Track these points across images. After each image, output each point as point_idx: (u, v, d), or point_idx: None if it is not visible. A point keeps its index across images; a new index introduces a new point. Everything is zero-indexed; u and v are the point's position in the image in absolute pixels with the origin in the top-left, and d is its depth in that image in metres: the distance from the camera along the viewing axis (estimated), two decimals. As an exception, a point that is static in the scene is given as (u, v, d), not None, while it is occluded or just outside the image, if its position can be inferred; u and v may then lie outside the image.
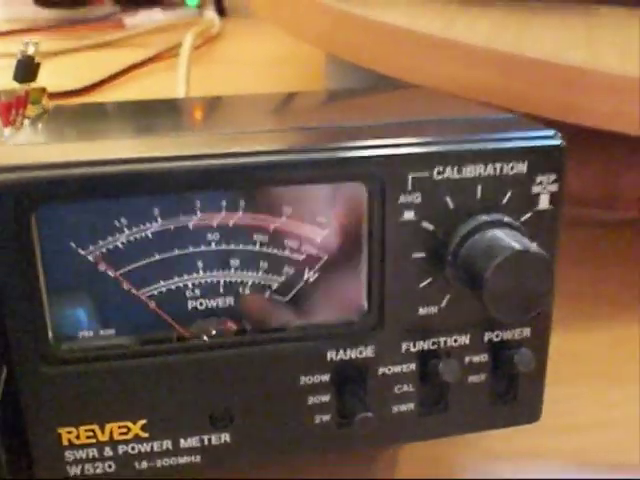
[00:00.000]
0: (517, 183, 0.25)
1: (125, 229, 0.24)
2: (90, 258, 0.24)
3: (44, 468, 0.25)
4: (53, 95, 0.53)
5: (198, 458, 0.26)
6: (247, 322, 0.26)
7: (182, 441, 0.26)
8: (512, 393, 0.28)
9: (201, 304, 0.25)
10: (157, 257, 0.25)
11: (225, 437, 0.26)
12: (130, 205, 0.24)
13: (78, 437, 0.25)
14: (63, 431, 0.25)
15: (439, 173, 0.25)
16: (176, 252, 0.25)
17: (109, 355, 0.25)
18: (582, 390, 0.35)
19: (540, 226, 0.26)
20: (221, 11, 0.96)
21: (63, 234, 0.24)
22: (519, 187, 0.25)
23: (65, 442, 0.25)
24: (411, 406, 0.27)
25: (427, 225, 0.25)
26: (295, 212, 0.25)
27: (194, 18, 0.89)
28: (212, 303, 0.25)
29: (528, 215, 0.26)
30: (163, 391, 0.25)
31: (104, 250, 0.24)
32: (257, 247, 0.25)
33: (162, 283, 0.25)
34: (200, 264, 0.25)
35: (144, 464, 0.26)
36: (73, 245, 0.24)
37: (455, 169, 0.25)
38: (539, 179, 0.25)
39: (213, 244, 0.25)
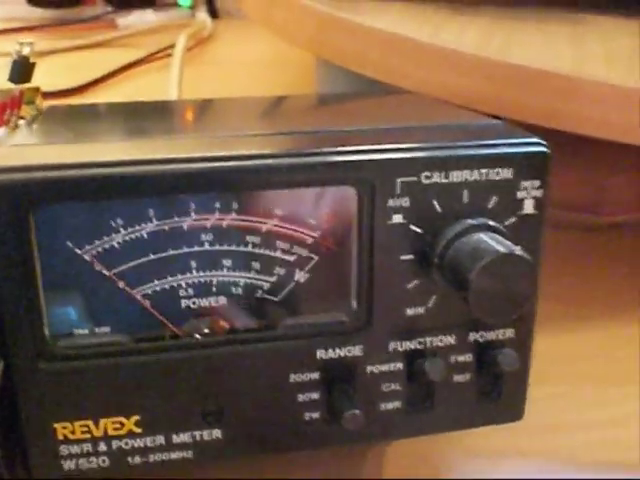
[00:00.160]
0: (502, 188, 0.26)
1: (121, 229, 0.25)
2: (86, 257, 0.25)
3: (39, 462, 0.26)
4: (46, 95, 0.53)
5: (190, 453, 0.26)
6: (238, 321, 0.27)
7: (174, 437, 0.26)
8: (496, 392, 0.28)
9: (194, 303, 0.26)
10: (152, 257, 0.25)
11: (216, 433, 0.26)
12: (126, 206, 0.25)
13: (73, 432, 0.26)
14: (58, 426, 0.25)
15: (427, 178, 0.25)
16: (170, 252, 0.25)
17: (104, 352, 0.25)
18: (566, 390, 0.36)
19: (524, 230, 0.26)
20: (213, 13, 0.96)
21: (60, 234, 0.24)
22: (504, 192, 0.26)
23: (60, 437, 0.25)
24: (398, 404, 0.28)
25: (415, 228, 0.26)
26: (286, 214, 0.26)
27: (186, 19, 0.89)
28: (205, 302, 0.26)
29: (513, 219, 0.26)
30: (156, 388, 0.26)
31: (100, 250, 0.25)
32: (249, 248, 0.26)
33: (156, 282, 0.25)
34: (194, 264, 0.26)
35: (137, 459, 0.26)
36: (69, 245, 0.24)
37: (443, 174, 0.25)
38: (524, 185, 0.26)
39: (206, 245, 0.25)
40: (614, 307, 0.42)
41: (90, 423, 0.26)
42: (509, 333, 0.28)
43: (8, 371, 0.25)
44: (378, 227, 0.25)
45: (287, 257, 0.26)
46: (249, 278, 0.26)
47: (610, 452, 0.32)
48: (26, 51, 0.50)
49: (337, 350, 0.26)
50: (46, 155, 0.25)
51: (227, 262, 0.26)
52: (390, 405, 0.28)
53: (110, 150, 0.25)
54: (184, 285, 0.26)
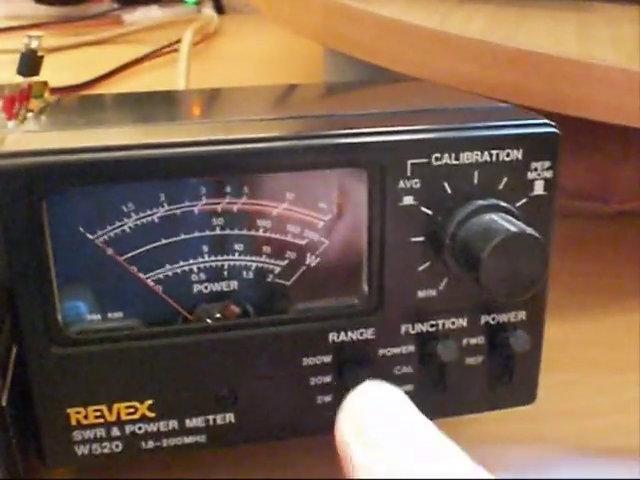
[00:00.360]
0: (513, 169, 0.26)
1: (132, 214, 0.25)
2: (98, 242, 0.25)
3: (52, 448, 0.26)
4: (54, 90, 0.54)
5: (203, 438, 0.27)
6: (250, 305, 0.27)
7: (188, 421, 0.26)
8: (508, 375, 0.28)
9: (206, 288, 0.26)
10: (163, 242, 0.25)
11: (230, 417, 0.27)
12: (137, 191, 0.25)
13: (86, 417, 0.26)
14: (72, 411, 0.25)
15: (437, 159, 0.25)
16: (182, 237, 0.25)
17: (117, 337, 0.25)
18: (574, 377, 0.36)
19: (535, 211, 0.26)
20: (219, 8, 0.96)
21: (72, 219, 0.24)
22: (515, 173, 0.26)
23: (74, 422, 0.26)
24: (410, 387, 0.28)
25: (426, 210, 0.26)
26: (297, 198, 0.26)
27: (192, 15, 0.89)
28: (216, 287, 0.26)
29: (523, 200, 0.26)
30: (169, 372, 0.26)
31: (112, 235, 0.25)
32: (260, 232, 0.26)
33: (168, 267, 0.26)
34: (205, 249, 0.26)
35: (150, 444, 0.26)
36: (82, 230, 0.25)
37: (453, 155, 0.25)
38: (534, 166, 0.26)
39: (218, 229, 0.26)
40: (622, 295, 0.42)
41: (103, 408, 0.26)
42: (521, 315, 0.28)
43: (22, 357, 0.25)
44: (389, 209, 0.25)
45: (298, 241, 0.26)
46: (260, 262, 0.26)
47: (617, 438, 0.32)
48: (34, 44, 0.50)
49: (349, 333, 0.27)
50: (57, 140, 0.25)
51: (238, 246, 0.26)
52: (402, 388, 0.27)
53: (121, 134, 0.25)
54: (195, 270, 0.26)
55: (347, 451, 0.20)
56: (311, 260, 0.26)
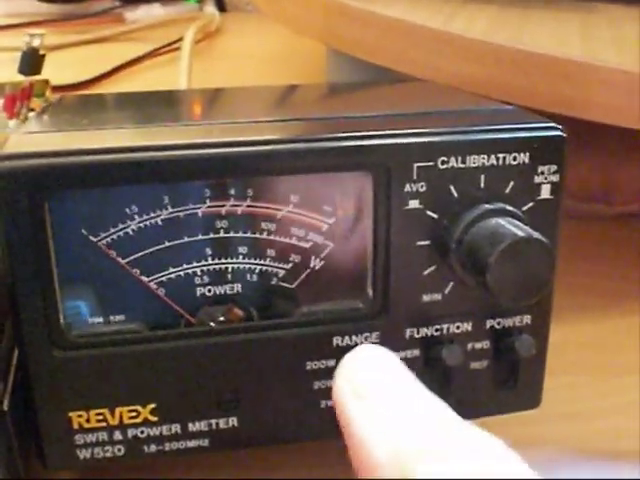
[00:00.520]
0: (519, 173, 0.26)
1: (135, 216, 0.25)
2: (101, 245, 0.25)
3: (54, 451, 0.26)
4: (55, 89, 0.53)
5: (206, 442, 0.26)
6: (254, 309, 0.26)
7: (190, 425, 0.26)
8: (513, 379, 0.28)
9: (209, 291, 0.26)
10: (166, 244, 0.25)
11: (233, 421, 0.26)
12: (140, 193, 0.25)
13: (88, 421, 0.25)
14: (74, 415, 0.25)
15: (444, 163, 0.25)
16: (185, 240, 0.25)
17: (119, 340, 0.25)
18: (576, 380, 0.36)
19: (541, 215, 0.26)
20: (221, 6, 0.96)
21: (74, 221, 0.24)
22: (521, 177, 0.26)
23: (76, 426, 0.25)
24: (414, 391, 0.27)
25: (432, 213, 0.25)
26: (302, 201, 0.26)
27: (194, 13, 0.89)
28: (220, 290, 0.26)
29: (530, 204, 0.26)
30: (172, 376, 0.26)
31: (114, 237, 0.25)
32: (264, 235, 0.26)
33: (171, 270, 0.25)
34: (208, 251, 0.25)
35: (153, 448, 0.26)
36: (84, 232, 0.24)
37: (459, 159, 0.25)
38: (541, 169, 0.26)
39: (221, 232, 0.25)
40: (624, 297, 0.42)
41: (106, 412, 0.25)
42: (526, 319, 0.28)
43: (23, 360, 0.25)
44: (394, 213, 0.25)
45: (302, 244, 0.26)
46: (264, 265, 0.26)
47: (618, 441, 0.32)
48: (36, 43, 0.50)
49: (353, 337, 0.26)
50: (60, 142, 0.25)
51: (242, 249, 0.26)
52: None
53: (124, 136, 0.25)
54: (199, 273, 0.26)
55: (342, 405, 0.21)
56: (315, 263, 0.26)
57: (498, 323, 0.27)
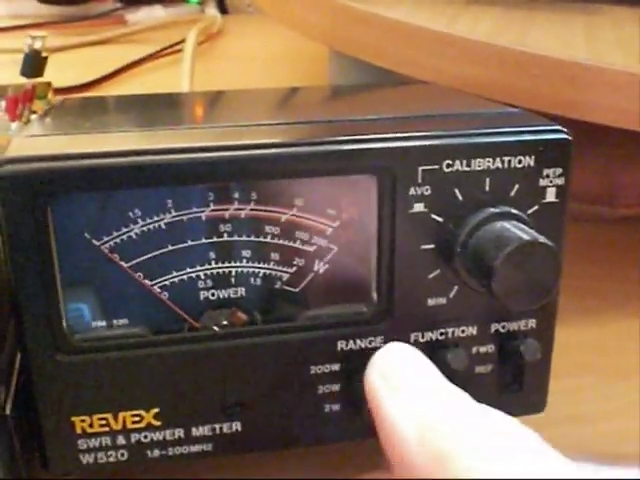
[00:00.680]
0: (525, 176, 0.26)
1: (138, 220, 0.25)
2: (104, 249, 0.24)
3: (57, 456, 0.26)
4: (57, 91, 0.53)
5: (210, 446, 0.26)
6: (257, 313, 0.26)
7: (194, 430, 0.26)
8: (518, 383, 0.28)
9: (213, 295, 0.26)
10: (170, 248, 0.25)
11: (236, 426, 0.26)
12: (143, 197, 0.24)
13: (91, 426, 0.25)
14: (77, 420, 0.25)
15: (449, 166, 0.25)
16: (189, 243, 0.25)
17: (122, 344, 0.25)
18: (582, 382, 0.36)
19: (547, 218, 0.26)
20: (222, 8, 0.96)
21: (77, 225, 0.24)
22: (526, 180, 0.26)
23: (79, 431, 0.25)
24: (419, 396, 0.27)
25: (436, 217, 0.25)
26: (306, 204, 0.25)
27: (195, 15, 0.89)
28: (224, 294, 0.26)
29: (535, 207, 0.26)
30: (175, 380, 0.25)
31: (117, 241, 0.25)
32: (268, 239, 0.26)
33: (174, 274, 0.25)
34: (212, 255, 0.25)
35: (156, 452, 0.26)
36: (87, 236, 0.24)
37: (464, 162, 0.25)
38: (546, 172, 0.26)
39: (225, 235, 0.25)
40: (627, 299, 0.42)
41: (109, 416, 0.25)
42: (531, 323, 0.28)
43: (26, 364, 0.25)
44: (399, 216, 0.25)
45: (306, 247, 0.26)
46: (268, 269, 0.26)
47: (622, 443, 0.32)
48: (38, 45, 0.50)
49: (358, 341, 0.26)
50: (63, 145, 0.24)
51: (246, 253, 0.26)
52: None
53: (127, 140, 0.25)
54: (202, 276, 0.26)
55: (377, 400, 0.23)
56: (319, 267, 0.26)
57: (503, 327, 0.27)
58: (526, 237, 0.23)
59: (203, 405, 0.26)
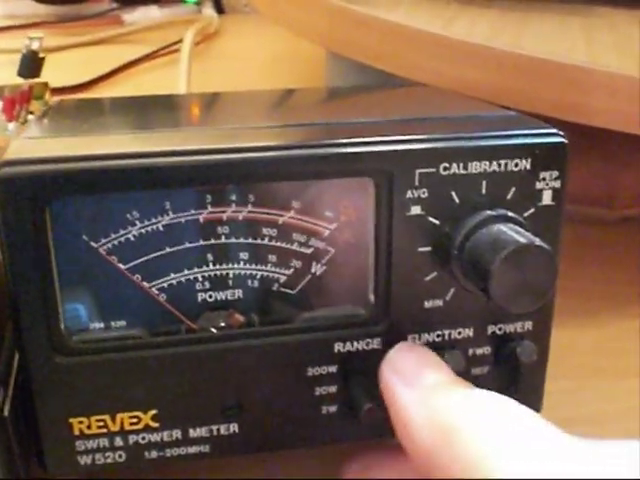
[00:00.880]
0: (521, 179, 0.26)
1: (136, 222, 0.25)
2: (102, 251, 0.25)
3: (55, 458, 0.26)
4: (54, 91, 0.53)
5: (207, 448, 0.26)
6: (255, 314, 0.26)
7: (191, 431, 0.26)
8: (514, 385, 0.28)
9: (210, 296, 0.26)
10: (168, 250, 0.25)
11: (234, 427, 0.26)
12: (142, 199, 0.24)
13: (89, 427, 0.25)
14: (74, 421, 0.25)
15: (445, 169, 0.25)
16: (186, 245, 0.25)
17: (120, 346, 0.25)
18: (581, 383, 0.36)
19: (543, 221, 0.26)
20: (219, 8, 0.96)
21: (75, 227, 0.24)
22: (523, 183, 0.26)
23: (76, 432, 0.25)
24: (416, 397, 0.27)
25: (433, 220, 0.25)
26: (303, 206, 0.25)
27: (192, 15, 0.89)
28: (221, 296, 0.26)
29: (531, 210, 0.26)
30: (173, 382, 0.25)
31: (115, 243, 0.25)
32: (266, 241, 0.26)
33: (172, 276, 0.25)
34: (210, 257, 0.25)
35: (154, 454, 0.26)
36: (85, 238, 0.24)
37: (461, 165, 0.25)
38: (542, 175, 0.26)
39: (223, 238, 0.25)
40: (626, 301, 0.42)
41: (107, 418, 0.25)
42: (527, 325, 0.28)
43: (24, 366, 0.25)
44: (396, 219, 0.25)
45: (304, 250, 0.26)
46: (265, 271, 0.26)
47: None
48: (35, 46, 0.50)
49: (355, 343, 0.26)
50: (61, 147, 0.25)
51: (243, 255, 0.26)
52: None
53: (125, 142, 0.25)
54: (200, 278, 0.26)
55: (390, 392, 0.24)
56: (317, 269, 0.26)
57: (499, 329, 0.27)
58: (522, 240, 0.23)
59: (201, 406, 0.26)
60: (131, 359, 0.25)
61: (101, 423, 0.25)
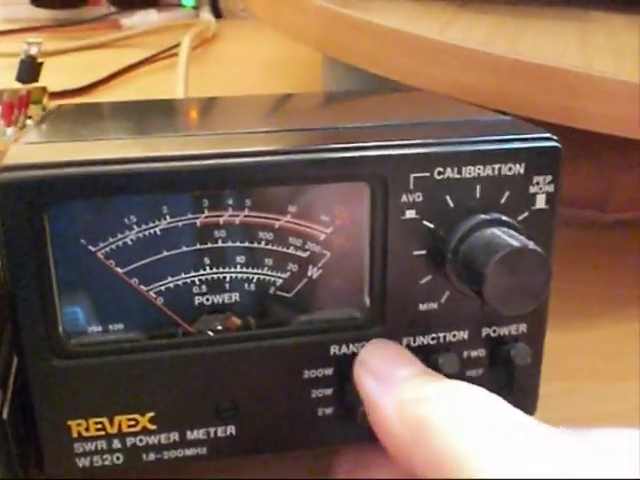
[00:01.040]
0: (515, 183, 0.26)
1: (134, 226, 0.25)
2: (100, 255, 0.25)
3: (53, 460, 0.26)
4: (52, 95, 0.54)
5: (204, 450, 0.27)
6: (251, 317, 0.27)
7: (189, 433, 0.26)
8: (509, 387, 0.28)
9: (207, 300, 0.26)
10: (165, 254, 0.25)
11: (230, 429, 0.26)
12: (139, 203, 0.25)
13: (87, 429, 0.26)
14: (73, 424, 0.25)
15: (440, 173, 0.25)
16: (183, 249, 0.25)
17: (118, 349, 0.25)
18: (573, 386, 0.36)
19: (536, 225, 0.26)
20: (216, 12, 0.97)
21: (73, 231, 0.24)
22: (517, 187, 0.26)
23: (75, 434, 0.26)
24: (411, 399, 0.28)
25: (428, 223, 0.26)
26: (300, 211, 0.26)
27: (190, 19, 0.89)
28: (218, 299, 0.26)
29: (525, 214, 0.26)
30: (171, 384, 0.26)
31: (113, 247, 0.25)
32: (262, 245, 0.26)
33: (169, 279, 0.26)
34: (207, 261, 0.26)
35: (151, 456, 0.26)
36: (83, 242, 0.25)
37: (455, 169, 0.25)
38: (536, 180, 0.26)
39: (220, 242, 0.26)
40: (620, 303, 0.42)
41: (105, 420, 0.26)
42: (522, 328, 0.28)
43: (23, 369, 0.25)
44: (391, 223, 0.25)
45: (300, 253, 0.26)
46: (262, 274, 0.26)
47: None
48: (34, 51, 0.50)
49: (351, 346, 0.27)
50: (59, 152, 0.25)
51: (240, 259, 0.26)
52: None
53: (123, 147, 0.25)
54: (197, 282, 0.26)
55: (364, 392, 0.25)
56: (313, 272, 0.26)
57: (494, 331, 0.28)
58: (516, 244, 0.23)
59: (198, 409, 0.26)
60: (129, 362, 0.25)
61: (99, 425, 0.26)
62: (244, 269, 0.26)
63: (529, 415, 0.28)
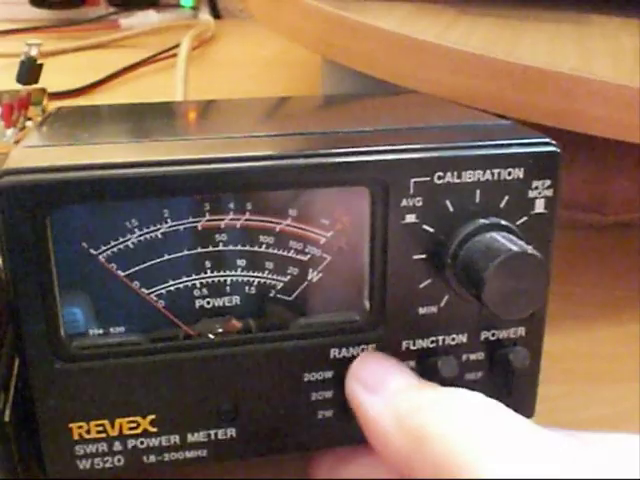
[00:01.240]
0: (514, 188, 0.26)
1: (135, 230, 0.25)
2: (101, 258, 0.25)
3: (55, 462, 0.26)
4: (51, 96, 0.54)
5: (205, 452, 0.27)
6: (252, 321, 0.27)
7: (189, 436, 0.26)
8: (507, 390, 0.28)
9: (208, 303, 0.26)
10: (166, 257, 0.25)
11: (231, 432, 0.27)
12: (140, 207, 0.25)
13: (89, 432, 0.26)
14: (74, 426, 0.26)
15: (440, 178, 0.25)
16: (185, 253, 0.25)
17: (119, 352, 0.25)
18: (574, 388, 0.36)
19: (536, 229, 0.27)
20: (215, 13, 0.97)
21: (75, 235, 0.25)
22: (516, 192, 0.26)
23: (76, 437, 0.26)
24: (410, 402, 0.28)
25: (428, 228, 0.26)
26: (300, 215, 0.26)
27: (189, 20, 0.89)
28: (219, 302, 0.26)
29: (524, 219, 0.26)
30: (171, 387, 0.26)
31: (115, 250, 0.25)
32: (263, 248, 0.26)
33: (170, 283, 0.26)
34: (208, 264, 0.26)
35: (152, 458, 0.26)
36: (85, 245, 0.25)
37: (455, 174, 0.25)
38: (535, 184, 0.26)
39: (220, 245, 0.26)
40: (618, 306, 0.42)
41: (106, 423, 0.26)
42: (520, 331, 0.28)
43: (24, 371, 0.25)
44: (391, 227, 0.26)
45: (300, 257, 0.26)
46: (262, 278, 0.26)
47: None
48: (33, 52, 0.50)
49: (350, 349, 0.27)
50: (60, 156, 0.25)
51: (241, 262, 0.26)
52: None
53: (124, 151, 0.26)
54: (198, 285, 0.26)
55: (355, 402, 0.25)
56: (313, 276, 0.27)
57: (492, 335, 0.28)
58: (515, 248, 0.24)
59: (198, 411, 0.26)
60: (130, 365, 0.25)
61: (100, 428, 0.26)
62: (245, 272, 0.26)
63: (528, 418, 0.29)
